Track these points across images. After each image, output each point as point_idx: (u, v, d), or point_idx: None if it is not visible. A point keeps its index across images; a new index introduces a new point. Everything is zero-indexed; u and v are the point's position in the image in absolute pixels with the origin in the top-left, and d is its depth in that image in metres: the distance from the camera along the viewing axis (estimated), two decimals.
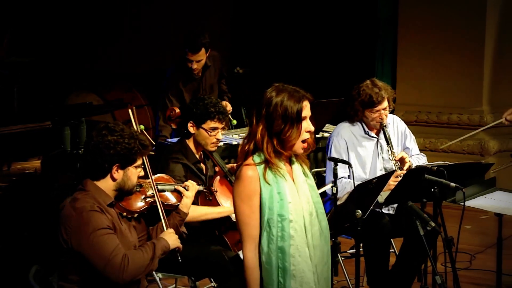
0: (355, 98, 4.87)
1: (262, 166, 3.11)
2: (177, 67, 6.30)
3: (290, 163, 3.21)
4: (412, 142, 5.11)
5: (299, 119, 3.11)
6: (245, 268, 3.12)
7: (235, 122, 6.64)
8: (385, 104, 4.86)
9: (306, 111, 3.15)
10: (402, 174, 4.72)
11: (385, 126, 4.91)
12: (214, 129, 4.43)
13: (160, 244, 3.57)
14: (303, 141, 3.15)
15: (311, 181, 3.26)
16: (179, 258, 3.75)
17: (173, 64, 6.44)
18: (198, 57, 6.13)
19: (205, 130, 4.43)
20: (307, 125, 3.15)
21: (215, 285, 4.49)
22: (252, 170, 3.10)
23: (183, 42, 6.17)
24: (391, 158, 4.88)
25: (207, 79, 6.38)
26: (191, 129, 4.45)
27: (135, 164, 3.57)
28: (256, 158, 3.12)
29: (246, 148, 3.15)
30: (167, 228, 3.74)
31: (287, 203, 3.11)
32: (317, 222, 3.19)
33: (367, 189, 4.35)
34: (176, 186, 4.01)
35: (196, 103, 4.47)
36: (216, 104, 4.46)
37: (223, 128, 4.53)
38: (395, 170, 4.76)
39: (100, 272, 3.39)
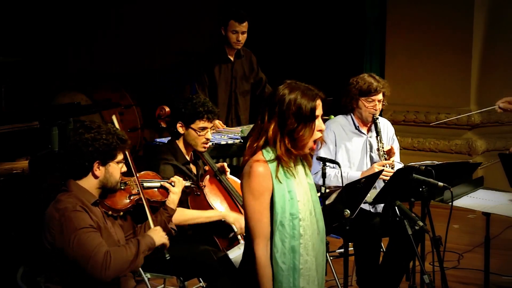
0: (353, 86, 4.92)
1: (275, 163, 3.06)
2: (211, 51, 6.19)
3: (295, 161, 3.17)
4: (396, 149, 5.13)
5: (312, 117, 3.06)
6: (258, 266, 3.04)
7: None
8: (381, 96, 4.92)
9: (319, 110, 3.10)
10: (388, 165, 4.80)
11: (377, 118, 4.95)
12: (203, 128, 4.41)
13: (145, 241, 3.56)
14: (314, 141, 3.11)
15: (310, 180, 3.24)
16: (167, 255, 3.72)
17: (203, 52, 6.24)
18: (243, 27, 6.08)
19: (194, 130, 4.40)
20: (319, 124, 3.10)
21: (204, 285, 4.48)
22: (263, 167, 3.04)
23: (219, 20, 6.09)
24: (380, 149, 4.91)
25: (238, 69, 6.26)
26: (180, 130, 4.43)
27: (116, 160, 3.56)
28: (266, 155, 3.07)
29: (255, 145, 3.09)
30: (154, 225, 3.72)
31: (297, 202, 3.09)
32: (315, 221, 3.18)
33: (356, 189, 4.35)
34: (162, 183, 3.98)
35: (185, 103, 4.44)
36: (204, 103, 4.43)
37: (212, 128, 4.51)
38: (383, 170, 4.79)
39: (84, 271, 3.38)
